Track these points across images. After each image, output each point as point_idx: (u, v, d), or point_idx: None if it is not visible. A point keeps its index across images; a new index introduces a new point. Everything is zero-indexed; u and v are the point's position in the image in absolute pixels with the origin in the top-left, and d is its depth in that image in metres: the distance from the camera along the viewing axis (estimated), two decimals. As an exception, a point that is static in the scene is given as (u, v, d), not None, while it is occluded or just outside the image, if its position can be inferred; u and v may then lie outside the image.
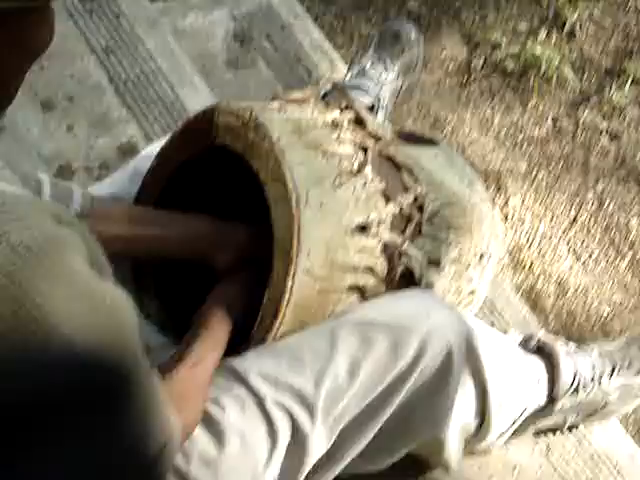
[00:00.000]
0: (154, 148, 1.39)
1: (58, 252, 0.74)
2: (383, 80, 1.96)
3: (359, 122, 1.35)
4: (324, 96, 1.82)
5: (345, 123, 1.31)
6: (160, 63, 1.95)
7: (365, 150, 1.29)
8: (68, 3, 1.99)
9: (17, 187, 0.85)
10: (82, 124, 1.84)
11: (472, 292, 1.42)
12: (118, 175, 1.42)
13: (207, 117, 1.26)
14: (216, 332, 1.16)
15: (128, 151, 1.80)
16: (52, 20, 0.84)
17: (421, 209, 1.32)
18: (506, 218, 2.10)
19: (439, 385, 1.25)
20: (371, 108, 1.93)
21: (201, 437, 1.12)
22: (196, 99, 1.90)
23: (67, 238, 0.77)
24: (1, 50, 0.81)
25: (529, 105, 2.27)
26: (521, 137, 2.24)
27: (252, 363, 1.16)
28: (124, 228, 1.23)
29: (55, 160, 1.78)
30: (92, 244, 0.83)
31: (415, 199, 1.32)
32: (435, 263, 1.33)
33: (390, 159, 1.33)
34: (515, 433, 1.50)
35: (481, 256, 1.42)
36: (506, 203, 2.13)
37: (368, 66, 1.98)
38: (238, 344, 1.18)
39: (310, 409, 1.16)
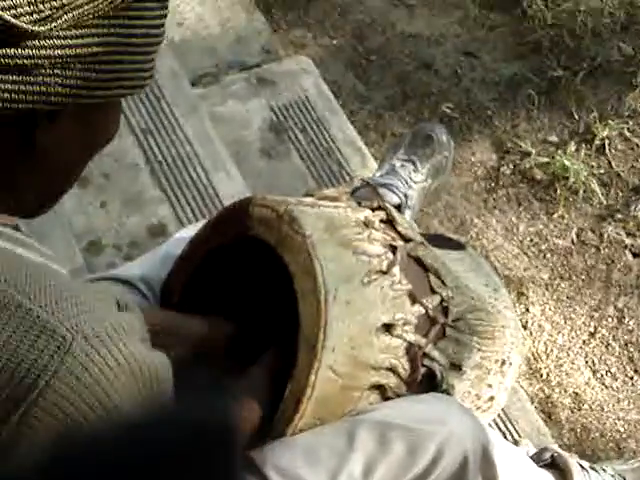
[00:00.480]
0: (187, 233, 1.41)
1: (122, 339, 0.79)
2: (412, 180, 1.98)
3: (390, 222, 1.37)
4: (354, 191, 1.85)
5: (376, 223, 1.33)
6: (196, 147, 1.99)
7: (394, 250, 1.31)
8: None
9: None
10: (115, 202, 1.87)
11: (491, 398, 1.42)
12: (149, 256, 1.44)
13: (242, 207, 1.28)
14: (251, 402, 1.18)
15: (158, 232, 1.82)
16: (119, 116, 0.87)
17: (446, 312, 1.33)
18: (525, 327, 2.10)
19: (453, 491, 1.24)
20: (398, 207, 1.95)
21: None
22: (229, 185, 1.93)
23: (130, 323, 0.81)
24: (73, 143, 0.84)
25: (555, 215, 2.29)
26: (545, 246, 2.25)
27: (269, 456, 1.16)
28: None
29: (86, 235, 1.81)
30: (142, 319, 0.86)
31: (441, 302, 1.33)
32: (457, 367, 1.33)
33: (418, 260, 1.35)
34: None
35: (502, 363, 1.42)
36: (526, 311, 2.13)
37: (398, 165, 2.01)
38: (256, 435, 1.18)
39: (322, 506, 1.15)
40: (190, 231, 1.39)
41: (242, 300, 1.34)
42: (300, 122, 2.24)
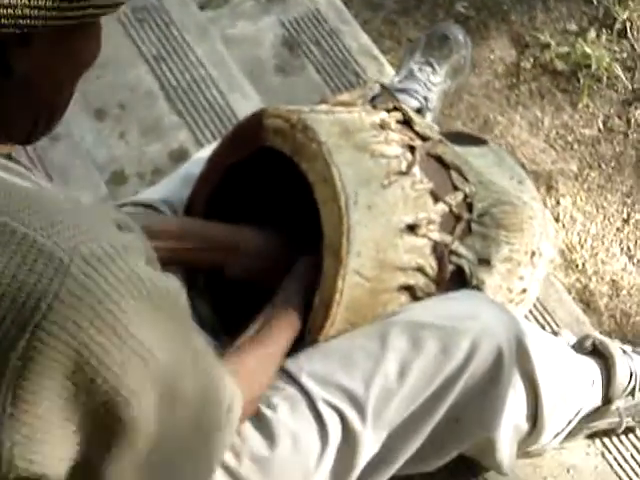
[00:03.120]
0: (205, 153, 1.40)
1: (124, 259, 0.78)
2: (431, 83, 1.96)
3: (407, 122, 1.35)
4: (372, 99, 1.83)
5: (393, 124, 1.31)
6: (210, 70, 1.98)
7: (413, 150, 1.29)
8: (120, 13, 2.02)
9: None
10: (134, 131, 1.87)
11: (523, 291, 1.42)
12: (169, 180, 1.44)
13: (256, 120, 1.27)
14: (289, 315, 1.18)
15: (179, 157, 1.82)
16: (99, 33, 0.86)
17: (470, 208, 1.32)
18: (557, 219, 2.08)
19: (490, 386, 1.25)
20: (419, 111, 1.93)
21: (253, 437, 1.13)
22: (245, 105, 1.91)
23: (131, 243, 0.81)
24: (54, 66, 0.83)
25: (579, 105, 2.25)
26: (572, 138, 2.22)
27: (303, 363, 1.17)
28: None
29: (109, 167, 1.81)
30: (146, 243, 0.85)
31: (464, 198, 1.32)
32: (485, 262, 1.33)
33: (438, 158, 1.33)
34: (570, 434, 1.48)
35: (532, 254, 1.41)
36: (557, 204, 2.11)
37: (416, 69, 1.98)
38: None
39: (360, 409, 1.16)
40: (207, 150, 1.38)
41: (265, 214, 1.34)
42: (313, 35, 2.21)
